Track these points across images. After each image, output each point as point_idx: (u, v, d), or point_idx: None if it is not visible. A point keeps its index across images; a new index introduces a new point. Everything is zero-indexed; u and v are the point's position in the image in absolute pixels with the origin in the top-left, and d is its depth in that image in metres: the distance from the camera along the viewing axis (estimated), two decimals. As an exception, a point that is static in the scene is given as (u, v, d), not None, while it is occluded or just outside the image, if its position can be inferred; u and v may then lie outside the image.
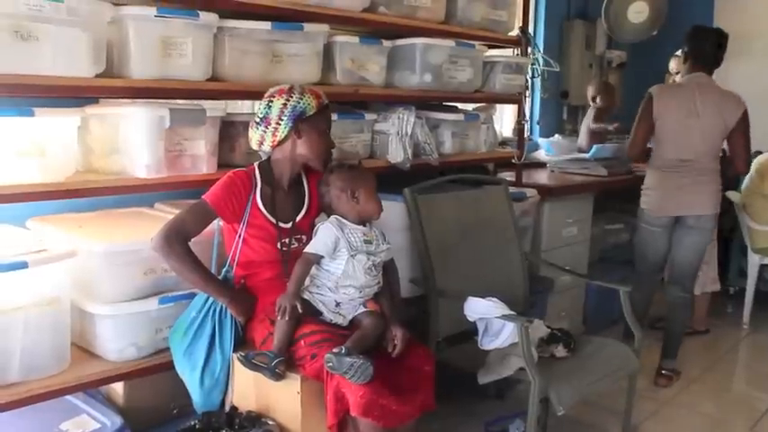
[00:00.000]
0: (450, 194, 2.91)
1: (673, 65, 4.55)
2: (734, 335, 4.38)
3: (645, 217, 3.43)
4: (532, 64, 3.74)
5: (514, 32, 3.51)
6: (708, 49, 3.27)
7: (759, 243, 4.43)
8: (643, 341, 2.87)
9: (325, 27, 2.61)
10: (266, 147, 2.24)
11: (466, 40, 3.07)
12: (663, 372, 3.50)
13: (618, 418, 2.96)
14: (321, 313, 2.18)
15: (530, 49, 3.60)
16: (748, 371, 3.98)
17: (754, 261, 4.48)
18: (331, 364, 1.96)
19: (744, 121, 3.25)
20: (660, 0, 5.02)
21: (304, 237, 2.28)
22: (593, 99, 4.60)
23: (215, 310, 2.22)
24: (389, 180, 2.83)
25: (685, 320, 3.60)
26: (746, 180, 4.50)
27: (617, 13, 5.06)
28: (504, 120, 4.71)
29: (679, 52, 4.21)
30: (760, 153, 4.54)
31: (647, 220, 3.41)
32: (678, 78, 3.87)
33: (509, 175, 3.64)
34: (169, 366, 2.26)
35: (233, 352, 2.21)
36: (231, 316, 2.22)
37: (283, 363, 2.06)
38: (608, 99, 4.59)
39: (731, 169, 3.41)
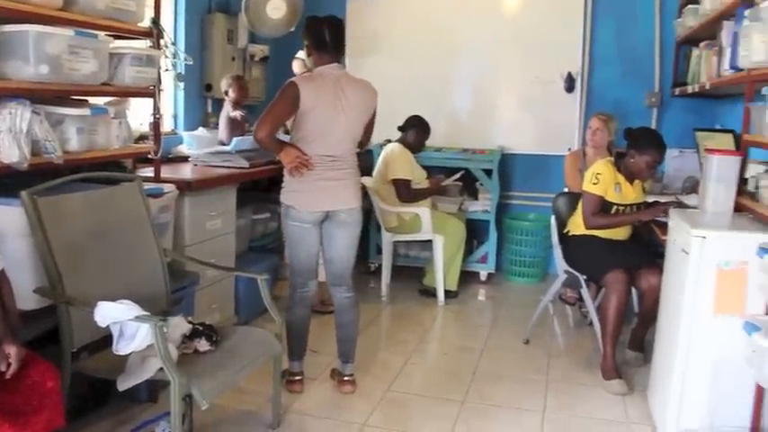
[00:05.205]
0: (78, 195, 2.72)
1: (296, 68, 4.77)
2: (375, 307, 4.82)
3: (293, 214, 3.18)
4: (167, 56, 3.65)
5: (146, 24, 3.40)
6: (329, 37, 3.15)
7: (389, 223, 4.93)
8: (282, 326, 3.03)
9: None
10: None
11: (88, 30, 2.89)
12: (346, 378, 3.44)
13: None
14: None
15: (163, 41, 3.51)
16: (386, 338, 4.40)
17: (387, 239, 4.97)
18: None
19: (375, 108, 3.29)
20: (296, -3, 5.26)
21: None
22: (226, 93, 4.67)
23: None
24: (11, 183, 2.57)
25: (357, 321, 3.44)
26: (376, 167, 4.97)
27: (256, 9, 5.17)
28: (146, 114, 4.56)
29: (300, 54, 4.45)
30: (390, 141, 5.05)
31: (297, 217, 3.18)
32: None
33: (149, 171, 3.54)
34: None
35: None
36: None
37: None
38: (239, 92, 4.69)
39: (361, 156, 3.38)
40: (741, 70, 3.06)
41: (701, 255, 2.72)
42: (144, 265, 2.91)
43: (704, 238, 2.71)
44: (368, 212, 5.11)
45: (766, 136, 2.65)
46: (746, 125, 3.07)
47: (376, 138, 3.92)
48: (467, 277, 5.35)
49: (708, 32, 3.98)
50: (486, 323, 4.64)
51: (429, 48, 5.76)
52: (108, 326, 2.36)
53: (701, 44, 4.14)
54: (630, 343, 3.88)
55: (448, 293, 4.99)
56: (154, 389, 3.11)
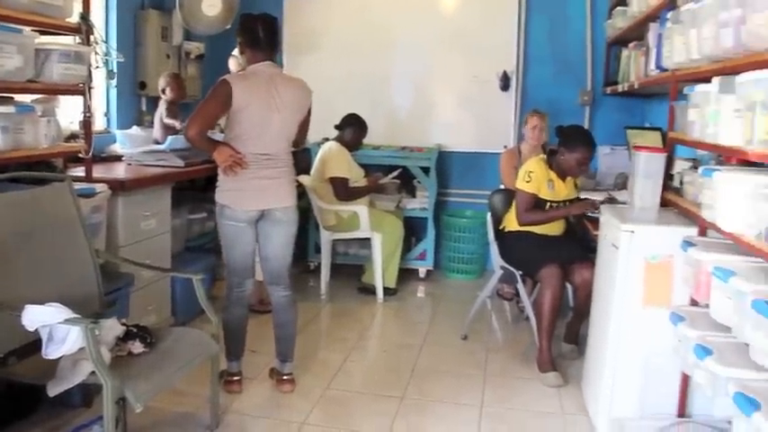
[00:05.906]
0: (4, 195, 2.64)
1: (232, 66, 4.72)
2: (315, 306, 4.81)
3: (228, 213, 3.15)
4: (98, 53, 3.55)
5: (75, 19, 3.31)
6: (262, 34, 3.12)
7: (328, 221, 4.93)
8: (219, 326, 2.99)
9: None
10: None
11: (11, 24, 2.80)
12: (285, 377, 3.43)
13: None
14: None
15: (93, 38, 3.42)
16: (326, 336, 4.39)
17: (325, 237, 4.96)
18: None
19: (310, 107, 3.30)
20: (232, -6, 5.20)
21: None
22: (163, 91, 4.59)
23: None
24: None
25: (295, 320, 3.45)
26: (314, 165, 4.96)
27: (191, 6, 5.09)
28: (77, 112, 4.44)
29: (236, 51, 4.41)
30: (327, 140, 5.04)
31: (232, 216, 3.15)
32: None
33: (81, 171, 3.45)
34: None
35: None
36: None
37: None
38: (177, 91, 4.61)
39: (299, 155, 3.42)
40: (666, 70, 3.16)
41: (629, 249, 2.80)
42: (75, 267, 2.84)
43: (632, 232, 2.80)
44: (306, 211, 5.10)
45: (688, 134, 2.75)
46: (671, 123, 3.18)
47: (313, 136, 3.92)
48: (406, 274, 5.39)
49: (636, 33, 4.10)
50: (424, 320, 4.68)
51: (367, 45, 5.78)
52: (37, 330, 2.29)
53: (630, 45, 4.26)
54: (566, 336, 3.98)
55: (387, 291, 5.01)
56: (88, 393, 3.02)
